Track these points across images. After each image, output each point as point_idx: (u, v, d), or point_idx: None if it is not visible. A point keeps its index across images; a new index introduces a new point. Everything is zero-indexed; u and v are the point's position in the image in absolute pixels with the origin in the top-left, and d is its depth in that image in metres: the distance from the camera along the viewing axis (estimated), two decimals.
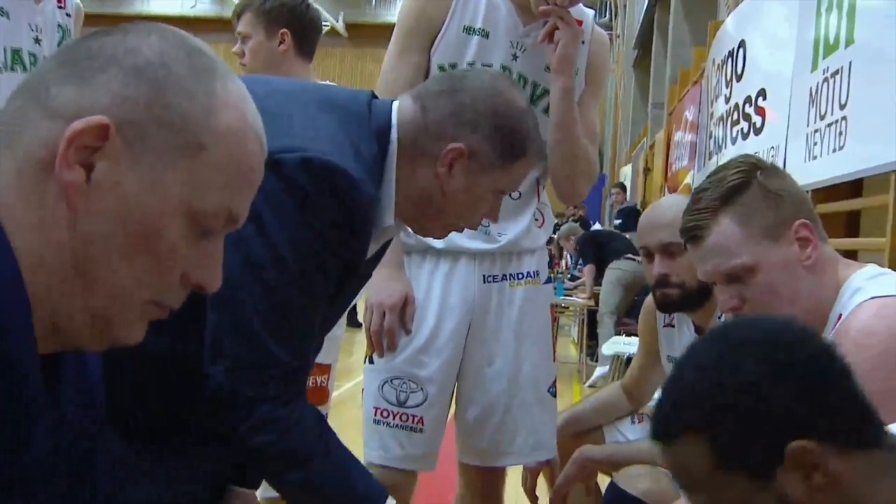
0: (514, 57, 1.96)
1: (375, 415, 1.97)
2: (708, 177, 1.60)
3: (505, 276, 2.01)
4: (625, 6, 15.71)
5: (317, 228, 1.27)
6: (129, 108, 0.77)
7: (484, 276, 1.99)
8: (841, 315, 1.45)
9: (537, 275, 2.06)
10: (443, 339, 1.97)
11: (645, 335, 2.35)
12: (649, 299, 2.16)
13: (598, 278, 7.55)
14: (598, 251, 7.69)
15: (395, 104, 1.43)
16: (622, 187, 9.73)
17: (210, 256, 0.84)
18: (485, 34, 1.95)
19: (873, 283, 1.45)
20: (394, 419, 1.96)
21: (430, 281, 1.98)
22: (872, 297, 1.40)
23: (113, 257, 0.78)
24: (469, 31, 1.95)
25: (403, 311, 1.83)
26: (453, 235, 1.88)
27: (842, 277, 1.50)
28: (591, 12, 2.09)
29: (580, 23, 2.02)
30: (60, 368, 0.85)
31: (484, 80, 1.44)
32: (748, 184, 1.50)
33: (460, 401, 2.05)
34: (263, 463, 1.35)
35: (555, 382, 2.10)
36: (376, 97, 1.44)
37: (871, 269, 1.52)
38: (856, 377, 0.96)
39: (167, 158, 0.78)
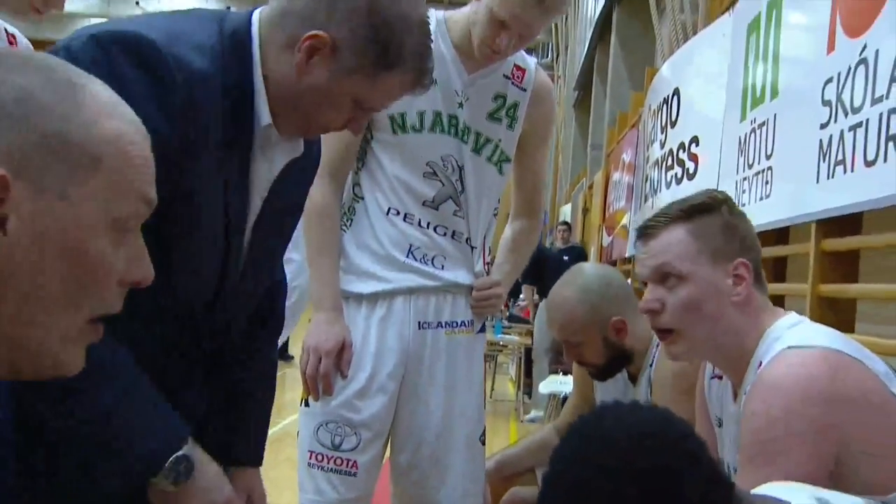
0: (460, 105, 2.01)
1: (310, 458, 1.98)
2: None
3: (440, 323, 2.03)
4: (566, 48, 16.01)
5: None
6: (15, 152, 0.77)
7: (419, 322, 2.02)
8: (761, 362, 1.50)
9: (471, 324, 2.09)
10: (378, 385, 1.98)
11: (578, 378, 2.42)
12: None
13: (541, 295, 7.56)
14: (537, 269, 7.52)
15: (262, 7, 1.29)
16: (567, 225, 9.88)
17: (137, 250, 0.85)
18: (433, 82, 1.99)
19: (791, 333, 1.51)
20: (328, 463, 1.96)
21: (367, 326, 1.99)
22: (789, 347, 1.46)
23: (49, 291, 0.79)
24: None
25: (340, 356, 1.84)
26: (390, 273, 1.91)
27: (766, 325, 1.56)
28: (533, 60, 2.15)
29: (523, 71, 2.08)
30: None
31: None
32: (712, 210, 1.59)
33: (393, 446, 2.07)
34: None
35: (484, 431, 2.13)
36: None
37: (791, 317, 1.58)
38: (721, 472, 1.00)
39: (71, 183, 0.79)
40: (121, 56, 1.13)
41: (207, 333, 1.35)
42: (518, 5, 1.86)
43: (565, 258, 8.39)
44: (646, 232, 1.62)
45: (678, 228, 1.57)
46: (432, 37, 1.98)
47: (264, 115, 1.26)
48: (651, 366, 2.10)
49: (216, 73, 1.21)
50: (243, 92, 1.24)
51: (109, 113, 0.83)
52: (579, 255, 8.80)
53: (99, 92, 0.84)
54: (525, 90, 2.08)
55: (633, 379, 2.19)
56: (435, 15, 2.04)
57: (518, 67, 2.08)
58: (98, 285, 0.82)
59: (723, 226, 1.58)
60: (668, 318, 1.57)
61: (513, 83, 2.07)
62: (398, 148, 1.99)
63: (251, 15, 1.27)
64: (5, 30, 2.19)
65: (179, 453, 1.19)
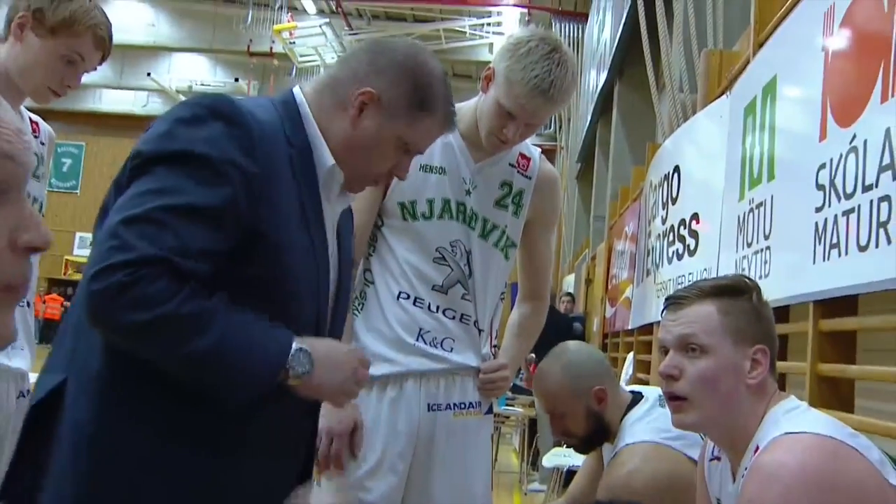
0: (468, 192, 2.09)
1: None
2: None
3: (449, 405, 2.09)
4: (569, 120, 16.25)
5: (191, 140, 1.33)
6: None
7: (429, 404, 2.08)
8: (758, 448, 1.55)
9: (479, 405, 2.15)
10: (388, 465, 2.03)
11: None
12: None
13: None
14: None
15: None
16: (571, 297, 9.96)
17: (24, 215, 0.83)
18: (442, 171, 2.08)
19: (788, 419, 1.56)
20: None
21: (378, 407, 2.05)
22: (786, 434, 1.51)
23: None
24: (427, 169, 2.07)
25: (352, 437, 1.90)
26: (400, 356, 1.99)
27: (766, 409, 1.61)
28: (537, 150, 2.24)
29: (528, 160, 2.17)
30: None
31: (404, 42, 1.57)
32: (743, 294, 1.67)
33: None
34: (163, 336, 1.29)
35: None
36: None
37: (790, 402, 1.63)
38: None
39: None
40: (201, 109, 1.37)
41: None
42: (524, 97, 1.94)
43: (576, 325, 8.48)
44: (676, 301, 1.70)
45: (708, 304, 1.65)
46: None
47: (327, 157, 1.48)
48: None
49: (278, 124, 1.44)
50: (302, 142, 1.46)
51: None
52: (581, 325, 8.85)
53: None
54: (530, 178, 2.17)
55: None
56: None
57: (523, 156, 2.17)
58: None
59: (750, 310, 1.66)
60: (684, 386, 1.64)
61: (518, 171, 2.16)
62: (408, 234, 2.07)
63: (291, 90, 1.53)
64: (30, 118, 2.30)
65: (293, 349, 1.36)
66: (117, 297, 1.25)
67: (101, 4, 2.12)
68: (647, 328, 5.21)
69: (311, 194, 1.46)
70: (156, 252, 1.26)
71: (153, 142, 1.35)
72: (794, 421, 1.55)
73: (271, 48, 20.49)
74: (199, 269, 1.30)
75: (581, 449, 2.33)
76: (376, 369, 2.02)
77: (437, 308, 2.07)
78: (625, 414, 2.22)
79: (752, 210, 3.34)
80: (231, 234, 1.33)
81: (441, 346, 2.07)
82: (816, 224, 2.55)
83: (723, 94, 4.21)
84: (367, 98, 1.46)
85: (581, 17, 14.88)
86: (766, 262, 3.09)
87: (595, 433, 2.24)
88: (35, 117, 2.34)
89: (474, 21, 19.40)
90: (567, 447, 2.34)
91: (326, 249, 1.49)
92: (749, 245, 3.34)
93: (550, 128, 18.71)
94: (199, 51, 23.83)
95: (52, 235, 0.85)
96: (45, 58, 2.02)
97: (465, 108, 2.13)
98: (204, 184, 1.31)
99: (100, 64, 2.15)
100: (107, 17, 2.10)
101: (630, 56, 9.36)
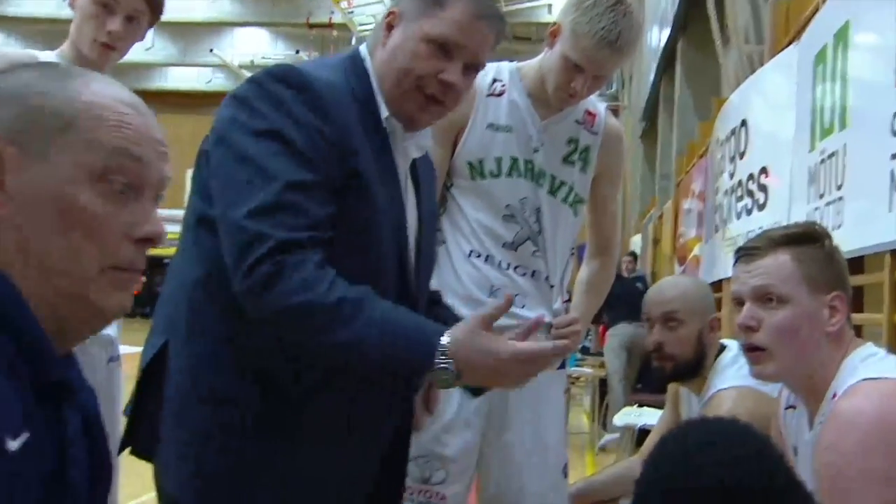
0: (535, 150, 2.11)
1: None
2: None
3: None
4: (632, 79, 16.01)
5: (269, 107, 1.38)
6: (7, 123, 0.91)
7: None
8: (836, 394, 1.54)
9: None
10: (464, 420, 2.07)
11: (672, 399, 2.45)
12: None
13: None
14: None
15: None
16: (634, 256, 9.87)
17: (144, 211, 0.95)
18: (509, 129, 2.09)
19: (865, 365, 1.55)
20: (418, 495, 2.05)
21: None
22: (864, 379, 1.50)
23: (50, 240, 0.90)
24: (494, 127, 2.09)
25: (428, 393, 1.93)
26: (473, 313, 2.01)
27: (844, 356, 1.60)
28: (603, 105, 2.24)
29: (594, 116, 2.18)
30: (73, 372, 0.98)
31: None
32: (816, 240, 1.65)
33: (480, 479, 2.15)
34: (308, 323, 1.33)
35: (566, 465, 2.20)
36: None
37: (867, 348, 1.62)
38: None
39: (50, 145, 0.91)
40: (272, 83, 1.41)
41: None
42: (591, 48, 1.95)
43: (638, 285, 8.45)
44: (748, 252, 1.68)
45: (782, 253, 1.63)
46: (506, 85, 2.11)
47: (383, 109, 1.50)
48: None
49: (344, 83, 1.48)
50: (367, 95, 1.49)
51: (91, 87, 0.95)
52: (645, 284, 8.81)
53: (90, 78, 0.96)
54: (596, 134, 2.17)
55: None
56: (508, 66, 2.15)
57: (589, 112, 2.17)
58: (94, 235, 0.91)
59: (824, 256, 1.64)
60: (763, 337, 1.62)
61: (584, 128, 2.16)
62: (477, 193, 2.09)
63: (358, 47, 1.58)
64: None
65: (441, 343, 1.34)
66: (268, 288, 1.30)
67: None
68: (717, 285, 5.16)
69: (382, 147, 1.48)
70: (293, 236, 1.32)
71: (238, 124, 1.39)
72: (871, 367, 1.54)
73: (330, 19, 20.58)
74: (328, 236, 1.36)
75: (673, 374, 2.24)
76: None
77: (508, 265, 2.09)
78: (714, 359, 2.19)
79: (823, 160, 3.28)
80: (332, 196, 1.38)
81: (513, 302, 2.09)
82: (892, 172, 2.51)
83: (791, 43, 4.12)
84: (391, 18, 1.51)
85: None
86: (839, 213, 3.04)
87: (691, 362, 2.17)
88: None
89: None
90: (656, 371, 2.27)
91: (401, 200, 1.51)
92: (821, 196, 3.29)
93: (613, 87, 18.45)
94: (259, 24, 24.05)
95: (162, 230, 0.96)
96: (85, 5, 2.09)
97: (530, 66, 2.14)
98: (299, 156, 1.36)
99: (151, 25, 2.19)
100: None
101: (693, 10, 9.19)
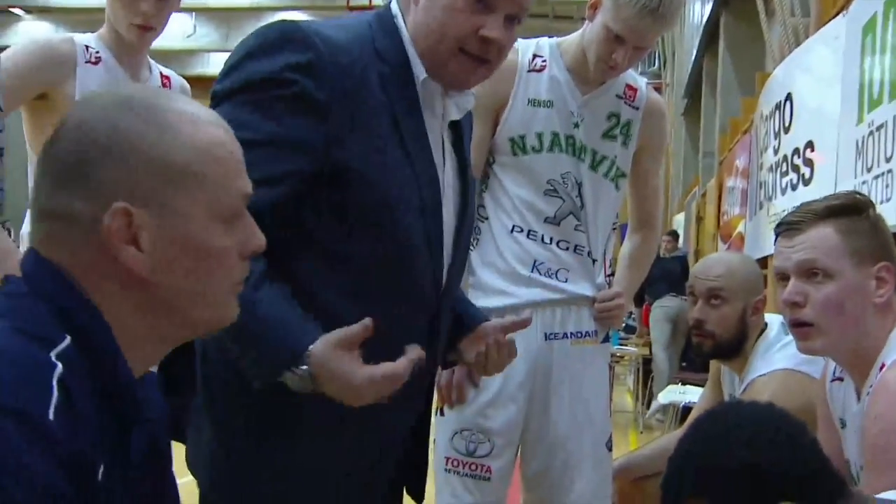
0: (576, 125, 2.11)
1: (447, 464, 2.10)
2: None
3: (566, 334, 2.13)
4: (674, 55, 15.82)
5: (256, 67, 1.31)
6: (128, 183, 0.91)
7: (546, 333, 2.11)
8: (884, 365, 1.54)
9: (595, 334, 2.17)
10: (509, 394, 2.08)
11: (714, 376, 2.45)
12: None
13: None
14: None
15: None
16: (674, 235, 9.78)
17: (248, 228, 1.00)
18: (549, 104, 2.10)
19: None
20: (463, 468, 2.08)
21: None
22: None
23: (186, 282, 0.95)
24: (535, 103, 2.10)
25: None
26: (516, 288, 2.02)
27: (893, 326, 1.59)
28: (644, 80, 2.24)
29: (635, 90, 2.17)
30: (145, 387, 1.01)
31: None
32: (860, 211, 1.62)
33: (523, 453, 2.17)
34: None
35: (611, 438, 2.21)
36: None
37: None
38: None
39: (172, 192, 0.93)
40: (269, 42, 1.33)
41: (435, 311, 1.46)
42: (633, 17, 1.94)
43: (676, 266, 8.40)
44: (791, 227, 1.65)
45: (825, 226, 1.60)
46: (547, 61, 2.10)
47: (419, 70, 1.40)
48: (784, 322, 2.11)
49: (368, 41, 1.37)
50: (397, 55, 1.39)
51: (193, 122, 0.96)
52: (680, 260, 8.76)
53: (177, 106, 0.96)
54: (637, 108, 2.16)
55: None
56: (548, 42, 2.15)
57: (630, 87, 2.17)
58: (222, 266, 0.98)
59: (869, 227, 1.61)
60: (810, 312, 1.60)
61: (625, 102, 2.15)
62: (519, 168, 2.10)
63: (390, 4, 1.46)
64: (160, 72, 2.40)
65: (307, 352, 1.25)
66: None
67: None
68: (762, 262, 5.10)
69: (410, 108, 1.39)
70: None
71: (221, 78, 1.36)
72: None
73: (371, 1, 20.59)
74: (283, 192, 1.29)
75: (713, 352, 2.21)
76: (494, 302, 2.06)
77: (551, 240, 2.09)
78: (756, 339, 2.16)
79: (871, 133, 3.22)
80: (310, 157, 1.31)
81: (556, 276, 2.10)
82: None
83: (838, 13, 4.05)
84: None
85: None
86: (887, 186, 2.99)
87: (731, 342, 2.15)
88: (167, 71, 2.44)
89: None
90: (695, 347, 2.25)
91: (431, 162, 1.42)
92: (869, 170, 3.23)
93: (655, 65, 18.26)
94: (300, 8, 24.11)
95: (263, 238, 1.02)
96: None
97: (570, 41, 2.14)
98: (274, 113, 1.30)
99: None
100: None
101: None
